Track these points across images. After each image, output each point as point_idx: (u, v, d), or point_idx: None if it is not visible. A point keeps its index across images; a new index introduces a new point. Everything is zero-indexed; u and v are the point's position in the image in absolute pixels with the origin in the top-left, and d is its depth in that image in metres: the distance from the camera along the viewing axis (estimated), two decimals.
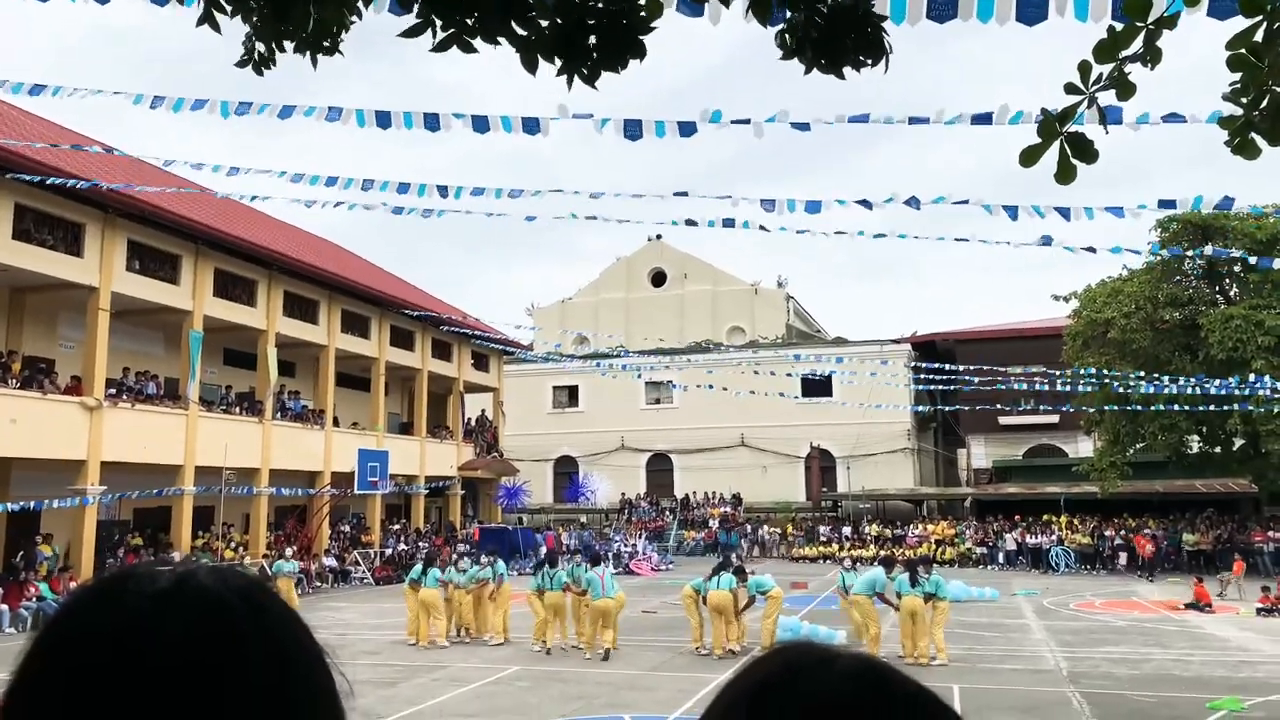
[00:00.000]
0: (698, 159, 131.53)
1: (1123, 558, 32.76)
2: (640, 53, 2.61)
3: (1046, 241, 10.85)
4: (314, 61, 3.13)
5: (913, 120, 7.37)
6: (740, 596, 15.72)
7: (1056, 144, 2.62)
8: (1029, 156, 2.67)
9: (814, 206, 9.05)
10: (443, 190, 9.54)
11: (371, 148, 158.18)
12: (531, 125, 8.11)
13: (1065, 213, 8.89)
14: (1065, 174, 2.64)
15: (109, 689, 0.71)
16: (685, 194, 9.65)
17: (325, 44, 3.10)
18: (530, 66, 2.65)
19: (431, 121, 8.22)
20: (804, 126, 7.45)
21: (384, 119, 8.32)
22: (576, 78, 2.62)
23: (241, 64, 3.09)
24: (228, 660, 0.73)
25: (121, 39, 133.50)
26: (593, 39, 2.55)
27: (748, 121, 7.56)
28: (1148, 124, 6.56)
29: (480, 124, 8.18)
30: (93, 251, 23.27)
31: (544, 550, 33.24)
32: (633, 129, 7.76)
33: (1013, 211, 9.03)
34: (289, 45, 3.04)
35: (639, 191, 9.84)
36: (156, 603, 0.75)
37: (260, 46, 3.04)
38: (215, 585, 0.78)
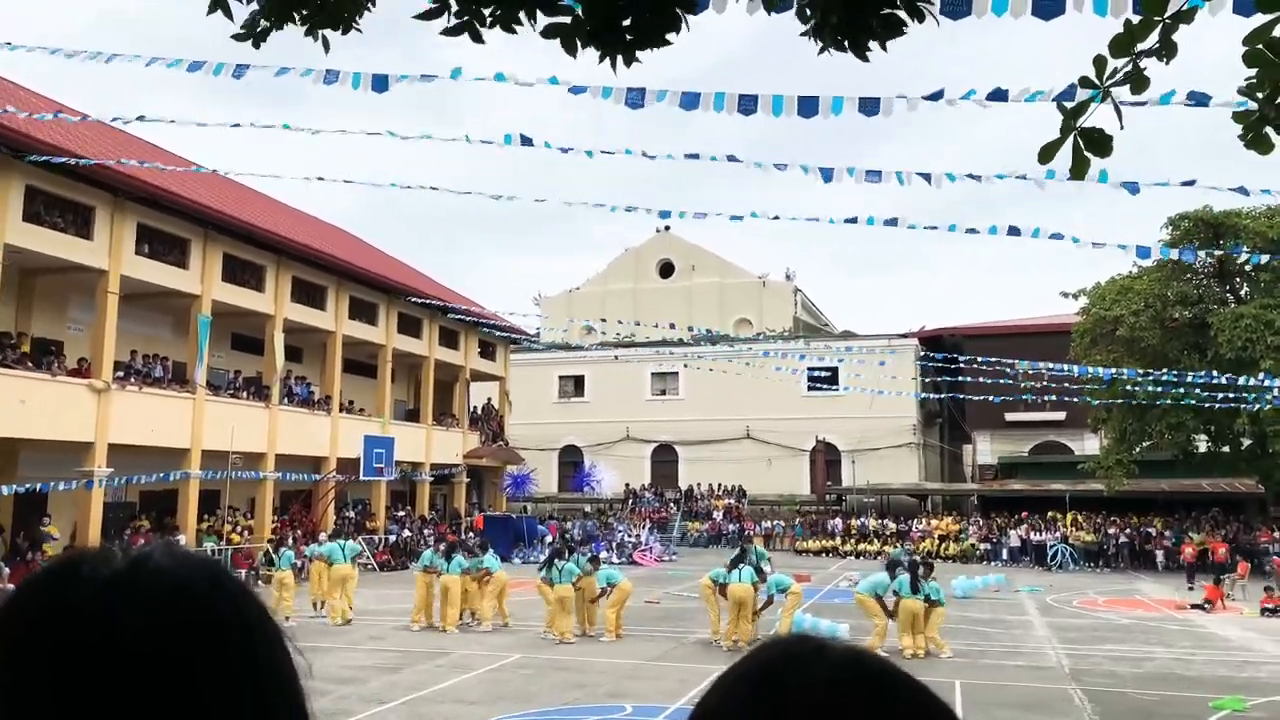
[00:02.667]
0: (708, 150, 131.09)
1: (1159, 556, 32.86)
2: (678, 26, 2.58)
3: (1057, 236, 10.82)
4: (325, 43, 3.11)
5: (927, 97, 7.30)
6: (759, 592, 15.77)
7: (1070, 138, 2.60)
8: (1046, 153, 2.65)
9: (826, 174, 9.03)
10: (464, 137, 9.45)
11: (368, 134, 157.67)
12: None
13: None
14: (1078, 168, 2.63)
15: (80, 671, 0.70)
16: (696, 155, 9.63)
17: (338, 25, 3.07)
18: (570, 50, 2.63)
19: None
20: (811, 110, 7.38)
21: (380, 83, 8.17)
22: (618, 60, 2.59)
23: (240, 37, 3.08)
24: (198, 641, 0.74)
25: (121, 40, 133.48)
26: (628, 20, 2.52)
27: (754, 100, 7.48)
28: (1169, 104, 6.51)
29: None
30: (102, 234, 23.30)
31: (549, 539, 33.35)
32: (634, 98, 7.69)
33: (1024, 179, 9.02)
34: (298, 21, 3.02)
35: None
36: (112, 586, 0.75)
37: (264, 23, 3.03)
38: (174, 566, 0.78)
